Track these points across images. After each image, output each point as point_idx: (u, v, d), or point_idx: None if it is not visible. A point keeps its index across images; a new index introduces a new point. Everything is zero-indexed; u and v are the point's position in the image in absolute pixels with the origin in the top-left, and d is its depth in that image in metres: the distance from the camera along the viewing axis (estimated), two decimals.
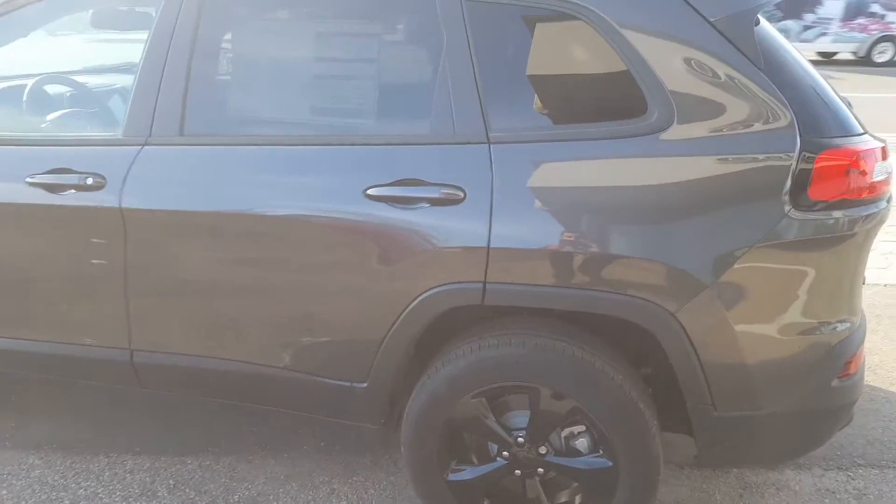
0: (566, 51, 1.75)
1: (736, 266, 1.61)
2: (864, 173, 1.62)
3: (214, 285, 1.98)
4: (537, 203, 1.70)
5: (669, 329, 1.65)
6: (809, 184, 1.59)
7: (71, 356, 2.18)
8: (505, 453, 1.86)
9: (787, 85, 1.62)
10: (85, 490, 2.25)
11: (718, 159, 1.62)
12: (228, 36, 2.06)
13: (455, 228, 1.72)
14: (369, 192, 1.77)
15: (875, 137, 1.73)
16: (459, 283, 1.74)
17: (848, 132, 1.66)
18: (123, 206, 1.93)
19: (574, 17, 1.67)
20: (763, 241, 1.60)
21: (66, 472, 2.34)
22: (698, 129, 1.62)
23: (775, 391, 1.73)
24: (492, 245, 1.69)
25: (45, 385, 2.54)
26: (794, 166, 1.58)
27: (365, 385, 1.94)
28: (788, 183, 1.59)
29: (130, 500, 2.21)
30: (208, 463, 2.39)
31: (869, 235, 1.72)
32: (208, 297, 2.00)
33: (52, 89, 2.64)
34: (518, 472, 1.87)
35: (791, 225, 1.60)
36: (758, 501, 2.23)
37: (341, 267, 1.86)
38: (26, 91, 2.53)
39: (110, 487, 2.26)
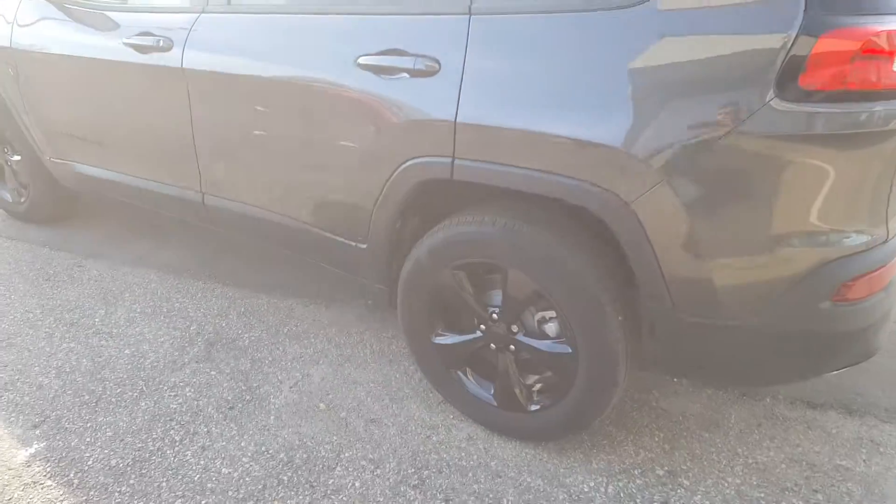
0: None
1: (700, 158, 1.45)
2: (883, 60, 1.31)
3: (247, 141, 2.24)
4: (503, 78, 1.65)
5: (623, 219, 1.55)
6: (803, 71, 1.34)
7: (162, 192, 2.65)
8: (482, 326, 1.94)
9: None
10: (179, 304, 2.78)
11: (699, 37, 1.43)
12: None
13: (428, 100, 1.74)
14: (360, 60, 1.84)
15: None
16: (431, 156, 1.78)
17: (882, 7, 1.34)
18: (185, 65, 2.24)
19: None
20: (733, 132, 1.40)
21: (171, 288, 2.90)
22: (684, 1, 1.43)
23: (743, 302, 1.56)
24: (458, 120, 1.70)
25: (175, 223, 3.10)
26: (785, 49, 1.34)
27: (365, 246, 2.11)
28: (777, 68, 1.36)
29: (209, 316, 2.69)
30: (275, 301, 2.79)
31: None
32: (244, 151, 2.27)
33: None
34: (493, 345, 1.94)
35: (771, 116, 1.37)
36: (777, 434, 2.05)
37: (341, 132, 1.99)
38: None
39: (196, 304, 2.78)
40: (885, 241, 1.56)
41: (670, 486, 1.85)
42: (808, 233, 1.48)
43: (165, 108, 2.39)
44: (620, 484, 1.86)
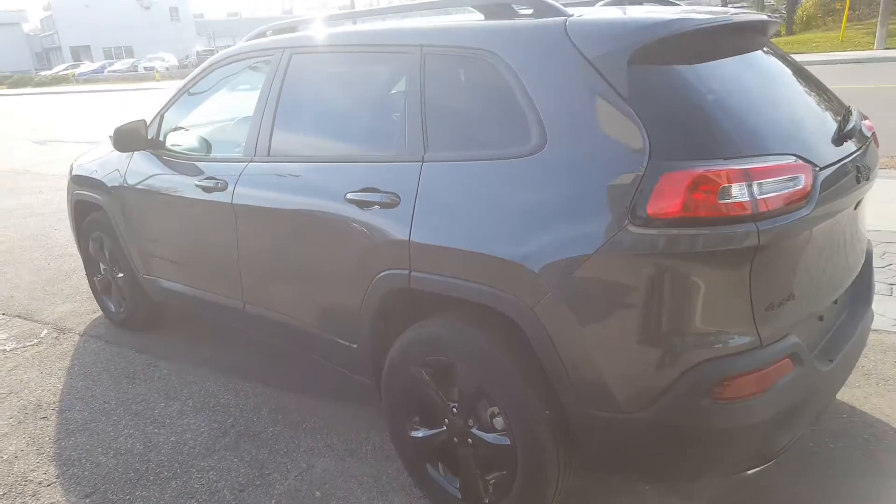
0: (475, 88, 2.10)
1: (578, 272, 1.75)
2: (710, 193, 1.62)
3: (273, 258, 2.76)
4: (438, 208, 2.06)
5: (530, 322, 1.85)
6: (648, 202, 1.65)
7: (216, 301, 3.19)
8: (445, 420, 2.19)
9: (660, 111, 1.73)
10: (224, 400, 3.22)
11: (576, 176, 1.79)
12: (289, 91, 2.77)
13: (392, 225, 2.15)
14: (347, 196, 2.29)
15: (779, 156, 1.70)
16: (395, 269, 2.16)
17: (719, 153, 1.68)
18: (234, 201, 2.81)
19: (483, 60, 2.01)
20: (602, 251, 1.71)
21: (221, 387, 3.36)
22: (565, 151, 1.81)
23: (633, 396, 1.77)
24: (412, 239, 2.07)
25: (238, 330, 3.61)
26: (637, 185, 1.66)
27: (356, 346, 2.45)
28: (630, 199, 1.67)
29: (245, 410, 3.10)
30: (303, 399, 3.16)
31: (753, 255, 1.67)
32: (271, 266, 2.79)
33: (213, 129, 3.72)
34: (455, 439, 2.17)
35: (628, 238, 1.68)
36: None
37: (336, 250, 2.43)
38: (200, 129, 3.63)
39: (238, 401, 3.20)
40: (760, 347, 1.75)
41: None
42: (679, 336, 1.71)
43: (220, 233, 2.95)
44: None
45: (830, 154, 1.95)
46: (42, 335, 4.13)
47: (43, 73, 51.02)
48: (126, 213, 3.66)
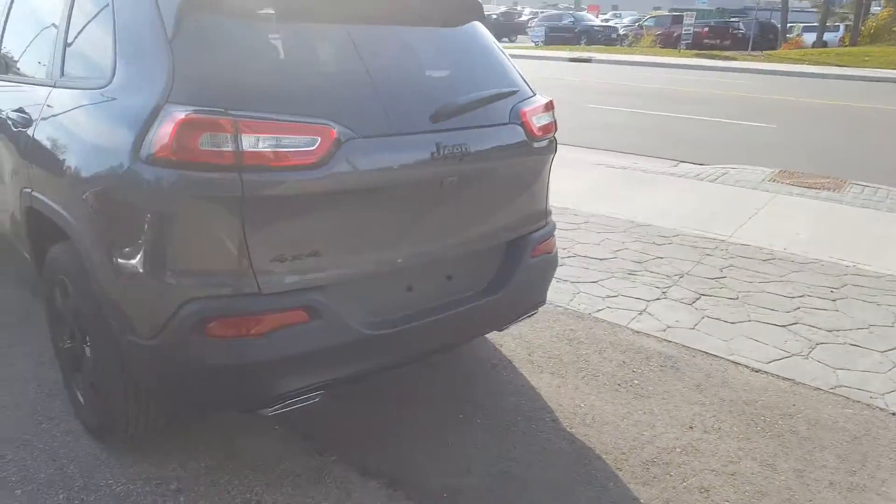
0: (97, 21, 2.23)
1: (100, 200, 1.96)
2: (192, 139, 1.74)
3: None
4: (46, 132, 2.30)
5: (80, 243, 2.07)
6: (153, 141, 1.79)
7: None
8: (69, 334, 2.39)
9: (193, 57, 1.85)
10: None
11: (116, 110, 1.98)
12: None
13: (19, 145, 2.46)
14: (6, 113, 2.56)
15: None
16: (24, 187, 2.43)
17: (232, 105, 1.79)
18: None
19: None
20: (117, 182, 1.88)
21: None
22: (119, 86, 1.99)
23: (144, 323, 1.90)
24: (28, 160, 2.39)
25: None
26: (150, 124, 1.81)
27: (29, 259, 2.67)
28: (143, 137, 1.81)
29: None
30: None
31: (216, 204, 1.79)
32: None
33: None
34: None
35: (136, 173, 1.81)
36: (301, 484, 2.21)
37: (3, 165, 2.65)
38: None
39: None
40: (259, 294, 1.85)
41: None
42: (174, 271, 1.84)
43: None
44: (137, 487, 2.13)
45: (385, 127, 2.02)
46: None
47: None
48: None
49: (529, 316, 2.79)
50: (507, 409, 2.68)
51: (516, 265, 2.49)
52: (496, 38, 2.68)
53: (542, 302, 2.78)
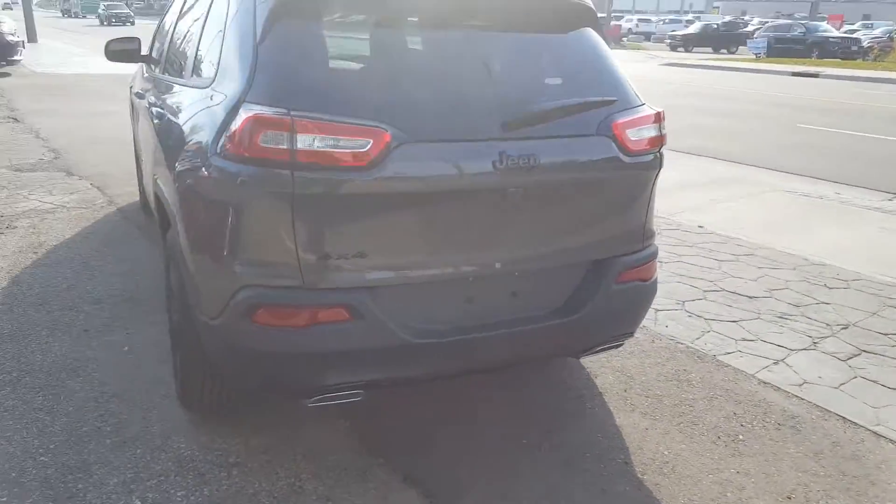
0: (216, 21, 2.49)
1: (187, 185, 2.16)
2: (254, 135, 1.86)
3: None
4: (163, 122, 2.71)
5: (174, 220, 2.34)
6: (225, 136, 1.95)
7: None
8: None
9: (273, 59, 1.99)
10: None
11: (208, 105, 2.17)
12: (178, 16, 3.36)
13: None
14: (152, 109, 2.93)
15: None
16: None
17: (299, 105, 1.88)
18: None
19: None
20: (197, 171, 2.10)
21: None
22: (218, 85, 2.17)
23: (210, 303, 2.07)
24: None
25: None
26: (227, 121, 1.96)
27: None
28: (219, 132, 1.98)
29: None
30: None
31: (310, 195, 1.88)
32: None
33: None
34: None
35: (212, 165, 1.99)
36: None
37: None
38: None
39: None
40: (303, 288, 1.94)
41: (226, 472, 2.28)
42: (232, 257, 1.97)
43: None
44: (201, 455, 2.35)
45: (446, 132, 2.00)
46: None
47: None
48: None
49: (613, 347, 2.58)
50: (578, 443, 2.51)
51: (596, 289, 2.32)
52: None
53: (630, 334, 2.56)
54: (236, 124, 1.90)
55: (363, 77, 2.08)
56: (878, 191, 6.68)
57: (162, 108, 2.85)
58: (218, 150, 1.97)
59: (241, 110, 1.91)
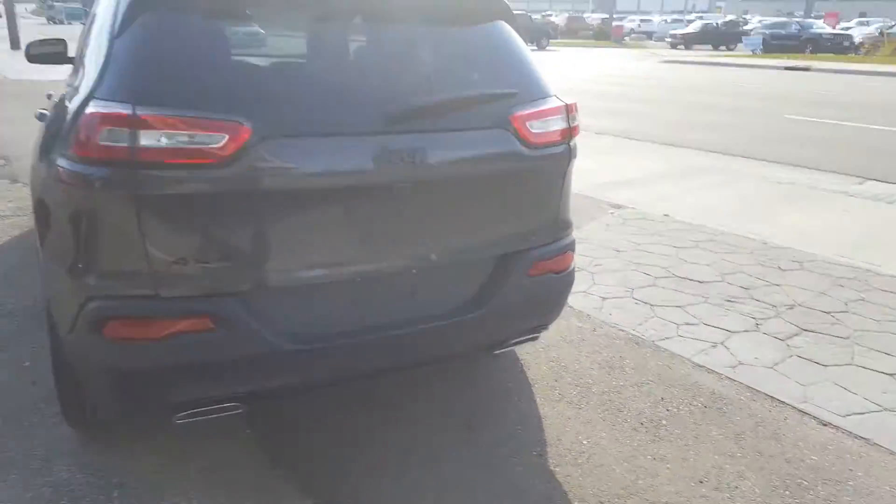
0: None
1: (45, 189, 1.96)
2: (94, 134, 1.70)
3: None
4: None
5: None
6: (73, 136, 1.77)
7: None
8: None
9: (128, 55, 1.83)
10: None
11: (71, 105, 1.94)
12: None
13: None
14: None
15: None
16: None
17: (145, 101, 1.73)
18: None
19: None
20: (49, 174, 1.88)
21: None
22: (85, 82, 1.95)
23: (63, 317, 1.89)
24: None
25: None
26: (76, 119, 1.80)
27: None
28: (69, 132, 1.81)
29: None
30: None
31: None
32: None
33: None
34: None
35: (64, 167, 1.79)
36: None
37: None
38: None
39: None
40: (155, 298, 1.77)
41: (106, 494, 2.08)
42: (78, 268, 1.79)
43: None
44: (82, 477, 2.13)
45: (319, 126, 1.88)
46: None
47: None
48: None
49: (527, 340, 2.51)
50: (496, 440, 2.41)
51: (503, 284, 2.22)
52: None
53: (544, 326, 2.49)
54: (78, 123, 1.77)
55: (227, 70, 1.99)
56: (851, 175, 6.59)
57: (44, 110, 2.69)
58: (64, 152, 1.80)
59: (87, 108, 1.76)
